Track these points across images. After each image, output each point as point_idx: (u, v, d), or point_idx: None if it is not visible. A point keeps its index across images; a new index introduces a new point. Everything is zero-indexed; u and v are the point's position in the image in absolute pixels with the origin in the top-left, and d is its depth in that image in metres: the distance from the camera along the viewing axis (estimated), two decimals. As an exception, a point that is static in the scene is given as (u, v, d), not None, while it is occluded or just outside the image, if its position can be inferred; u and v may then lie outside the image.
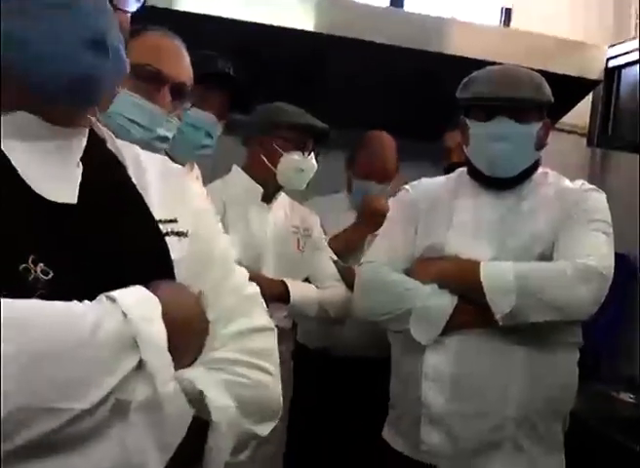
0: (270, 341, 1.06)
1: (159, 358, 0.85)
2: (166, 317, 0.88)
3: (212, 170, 2.42)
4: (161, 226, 1.02)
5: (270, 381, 1.02)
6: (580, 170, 3.62)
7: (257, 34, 2.87)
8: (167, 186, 1.08)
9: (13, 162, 0.91)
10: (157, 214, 1.03)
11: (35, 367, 0.77)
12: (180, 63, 1.70)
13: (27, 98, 0.92)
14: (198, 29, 2.72)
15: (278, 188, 2.53)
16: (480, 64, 2.09)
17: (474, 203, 2.05)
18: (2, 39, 0.88)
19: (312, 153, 2.50)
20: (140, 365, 0.84)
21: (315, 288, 2.49)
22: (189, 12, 2.73)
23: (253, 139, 2.53)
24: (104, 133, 1.07)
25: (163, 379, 0.85)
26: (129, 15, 1.01)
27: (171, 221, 1.04)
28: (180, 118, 1.72)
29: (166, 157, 1.19)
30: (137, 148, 1.11)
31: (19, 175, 0.91)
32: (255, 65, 2.72)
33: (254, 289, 1.10)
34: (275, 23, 2.90)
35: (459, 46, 3.10)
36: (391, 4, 3.54)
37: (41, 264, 0.85)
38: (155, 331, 0.86)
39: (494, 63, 2.12)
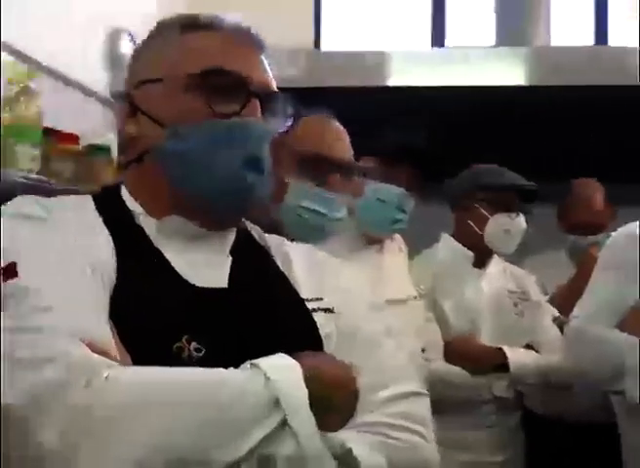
0: (422, 406, 1.04)
1: (301, 415, 0.88)
2: (310, 379, 0.90)
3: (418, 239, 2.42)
4: (308, 304, 1.09)
5: (425, 445, 1.00)
6: None
7: (451, 97, 2.87)
8: (311, 268, 1.16)
9: (166, 256, 1.03)
10: (304, 295, 1.10)
11: (187, 427, 0.84)
12: (344, 145, 1.70)
13: (182, 206, 1.05)
14: (396, 100, 2.78)
15: (489, 252, 2.49)
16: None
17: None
18: (171, 155, 1.03)
19: (520, 213, 2.43)
20: (285, 423, 0.87)
21: (536, 353, 2.40)
22: (378, 86, 2.78)
23: (458, 205, 2.52)
24: (251, 227, 1.17)
25: (306, 435, 0.87)
26: None
27: (317, 300, 1.10)
28: (354, 194, 1.71)
29: (310, 246, 1.25)
30: (282, 239, 1.20)
31: (171, 266, 1.02)
32: (451, 128, 2.72)
33: (403, 358, 1.12)
34: (468, 83, 2.87)
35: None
36: (596, 42, 3.38)
37: (194, 343, 0.95)
38: (296, 391, 0.89)
39: None
